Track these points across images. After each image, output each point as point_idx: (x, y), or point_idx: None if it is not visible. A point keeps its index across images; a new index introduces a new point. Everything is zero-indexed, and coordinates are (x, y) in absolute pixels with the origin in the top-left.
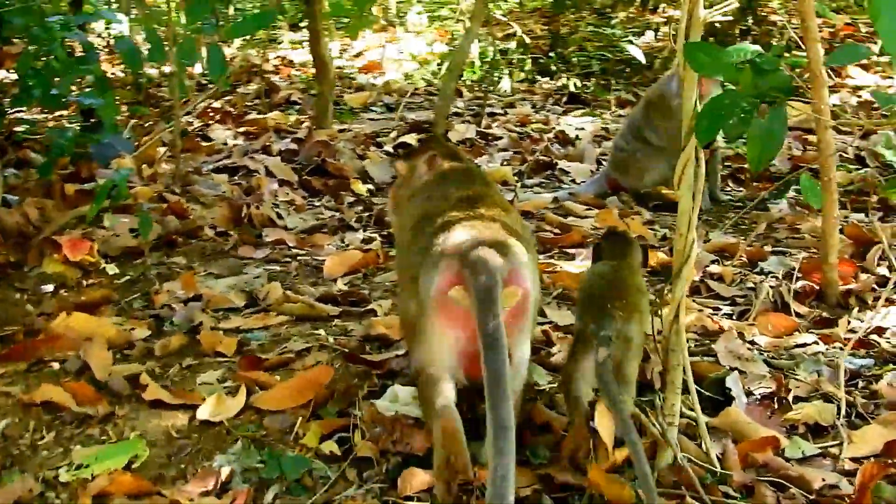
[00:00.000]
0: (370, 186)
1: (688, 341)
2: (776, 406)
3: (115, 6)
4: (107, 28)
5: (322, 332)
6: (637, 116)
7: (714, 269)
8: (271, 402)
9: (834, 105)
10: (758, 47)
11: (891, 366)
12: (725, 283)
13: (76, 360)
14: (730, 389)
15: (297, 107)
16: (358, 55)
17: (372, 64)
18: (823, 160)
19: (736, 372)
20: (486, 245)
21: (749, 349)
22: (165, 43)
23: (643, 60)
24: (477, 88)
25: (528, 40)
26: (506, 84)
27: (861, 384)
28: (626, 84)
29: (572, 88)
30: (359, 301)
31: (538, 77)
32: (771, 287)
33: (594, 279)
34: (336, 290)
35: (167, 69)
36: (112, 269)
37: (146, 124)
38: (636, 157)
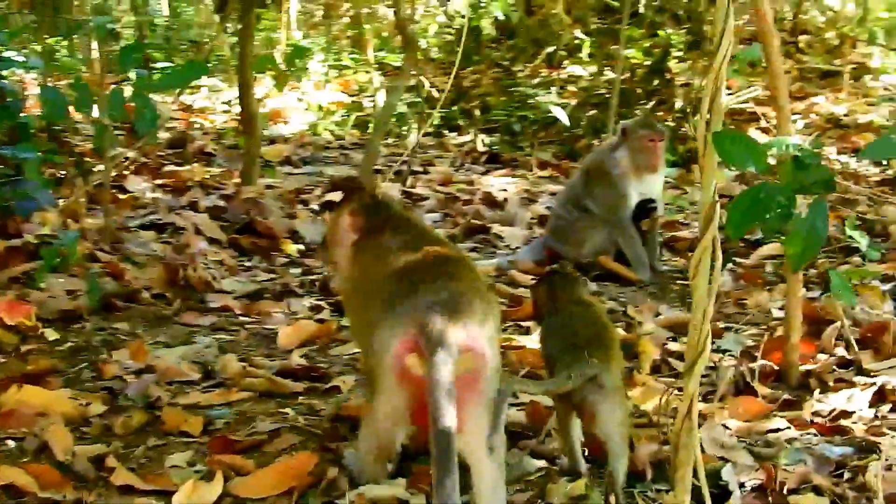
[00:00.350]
0: (300, 246)
1: (663, 426)
2: (769, 499)
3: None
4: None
5: (289, 411)
6: (577, 185)
7: (673, 346)
8: (251, 490)
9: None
10: (797, 139)
11: (874, 456)
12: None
13: (34, 439)
14: (726, 483)
15: (214, 159)
16: (258, 101)
17: (274, 112)
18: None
19: (730, 464)
20: (443, 311)
21: (730, 437)
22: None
23: (566, 122)
24: (393, 143)
25: (435, 94)
26: (413, 138)
27: (847, 475)
28: (544, 144)
29: (480, 146)
30: (321, 376)
31: (445, 132)
32: (732, 367)
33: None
34: (295, 363)
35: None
36: (52, 334)
37: (59, 174)
38: (576, 225)
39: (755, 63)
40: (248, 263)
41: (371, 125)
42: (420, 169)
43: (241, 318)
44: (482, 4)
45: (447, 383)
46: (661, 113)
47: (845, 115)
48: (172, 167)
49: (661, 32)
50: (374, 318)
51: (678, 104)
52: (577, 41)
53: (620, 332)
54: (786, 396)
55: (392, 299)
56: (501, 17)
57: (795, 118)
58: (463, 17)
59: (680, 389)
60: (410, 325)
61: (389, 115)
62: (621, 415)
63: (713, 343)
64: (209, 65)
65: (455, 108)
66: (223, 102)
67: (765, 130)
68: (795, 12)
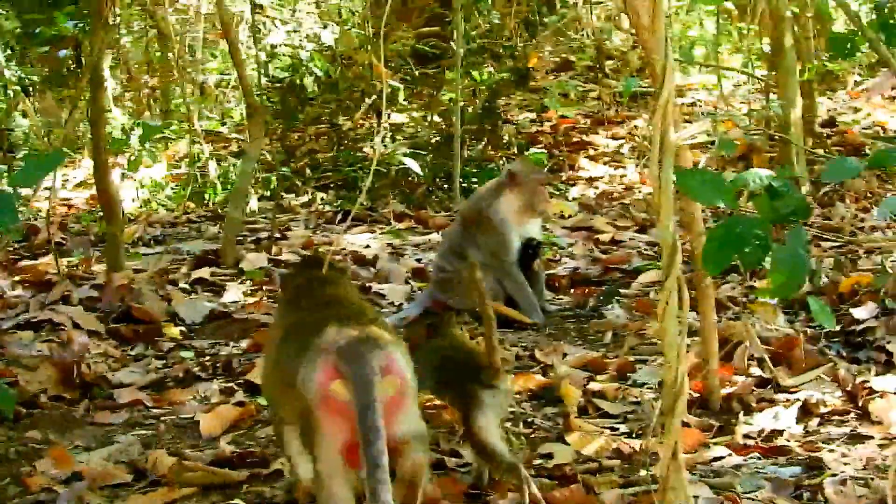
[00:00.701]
0: (182, 328)
1: (611, 469)
2: None
3: None
4: None
5: (239, 502)
6: (456, 235)
7: (594, 385)
8: None
9: (573, 198)
10: (770, 172)
11: (827, 472)
12: (609, 399)
13: None
14: None
15: (64, 247)
16: (80, 184)
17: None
18: (698, 264)
19: (695, 499)
20: (360, 337)
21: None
22: None
23: (420, 172)
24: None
25: (269, 157)
26: (253, 203)
27: (807, 496)
28: (385, 196)
29: (320, 205)
30: (259, 461)
31: (284, 194)
32: (653, 400)
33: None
34: (227, 450)
35: None
36: None
37: None
38: (461, 275)
39: (567, 94)
40: (133, 352)
41: (207, 195)
42: (277, 235)
43: (154, 411)
44: (303, 62)
45: (374, 398)
46: (492, 151)
47: None
48: (26, 261)
49: (474, 72)
50: (292, 361)
51: (508, 140)
52: (392, 88)
53: (539, 377)
54: (712, 422)
55: (308, 338)
56: (321, 74)
57: (619, 143)
58: (281, 81)
59: (613, 429)
60: (329, 353)
61: (247, 184)
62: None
63: (628, 378)
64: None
65: (286, 168)
66: (62, 187)
67: (593, 158)
68: (598, 39)
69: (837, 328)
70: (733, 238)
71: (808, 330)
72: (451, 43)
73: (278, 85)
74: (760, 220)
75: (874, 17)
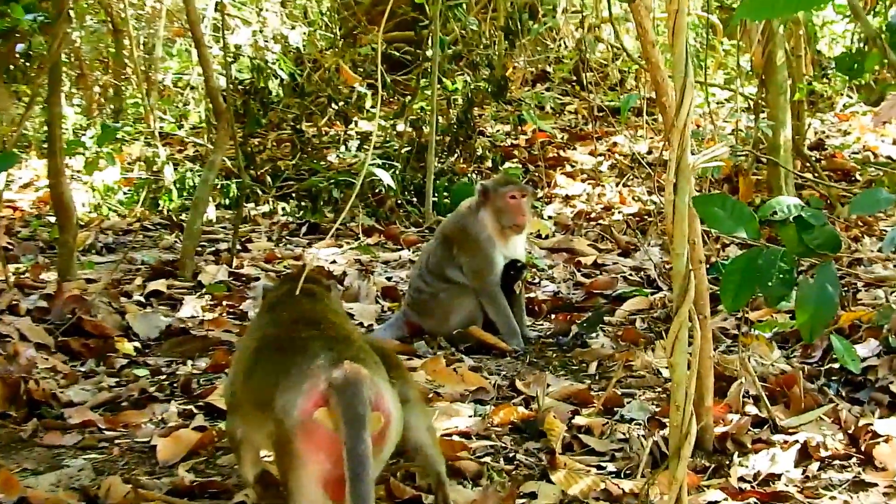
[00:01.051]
0: (136, 344)
1: None
2: None
3: None
4: None
5: None
6: (435, 253)
7: (579, 420)
8: None
9: (549, 217)
10: (798, 200)
11: None
12: (595, 435)
13: None
14: None
15: (10, 252)
16: (27, 185)
17: (48, 196)
18: (696, 294)
19: None
20: (353, 368)
21: None
22: None
23: (392, 184)
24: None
25: (228, 162)
26: (211, 212)
27: None
28: (353, 208)
29: (282, 216)
30: (221, 491)
31: (245, 204)
32: (643, 437)
33: None
34: (185, 479)
35: None
36: None
37: None
38: (439, 297)
39: (543, 105)
40: (83, 369)
41: (162, 202)
42: (239, 246)
43: (107, 433)
44: (268, 64)
45: (365, 433)
46: (464, 165)
47: (648, 153)
48: None
49: (448, 81)
50: (270, 380)
51: (482, 154)
52: (360, 94)
53: (521, 409)
54: (705, 463)
55: (291, 358)
56: (285, 77)
57: (599, 159)
58: (244, 83)
59: (600, 468)
60: (318, 379)
61: (208, 193)
62: (427, 421)
63: (615, 412)
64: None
65: (247, 176)
66: (6, 188)
67: (570, 175)
68: (580, 50)
69: (836, 366)
70: (755, 271)
71: (806, 366)
72: (426, 49)
73: (241, 87)
74: (786, 252)
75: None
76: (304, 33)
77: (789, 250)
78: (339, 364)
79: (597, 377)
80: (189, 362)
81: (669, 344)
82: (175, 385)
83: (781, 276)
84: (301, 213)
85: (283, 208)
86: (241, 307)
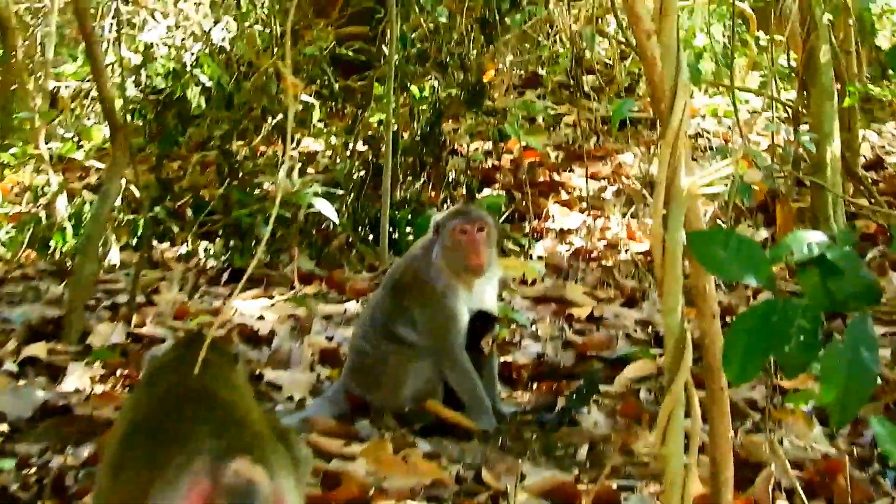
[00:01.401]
0: (3, 427)
1: None
2: None
3: None
4: None
5: None
6: (383, 306)
7: None
8: None
9: (539, 257)
10: (823, 236)
11: None
12: None
13: None
14: None
15: None
16: None
17: None
18: (710, 358)
19: None
20: (243, 459)
21: None
22: None
23: (335, 219)
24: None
25: (137, 193)
26: (114, 255)
27: None
28: (288, 248)
29: (203, 258)
30: None
31: (155, 243)
32: None
33: None
34: None
35: None
36: None
37: None
38: (387, 362)
39: (533, 117)
40: None
41: (54, 242)
42: (142, 299)
43: None
44: (187, 68)
45: None
46: (433, 192)
47: None
48: None
49: (413, 87)
50: (141, 476)
51: (455, 178)
52: (304, 106)
53: None
54: None
55: (167, 448)
56: (210, 85)
57: (601, 185)
58: (158, 92)
59: None
60: (200, 476)
61: (101, 231)
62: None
63: None
64: None
65: (159, 208)
66: None
67: (565, 204)
68: (576, 47)
69: None
70: (768, 331)
71: (855, 449)
72: (384, 47)
73: (153, 97)
74: (808, 305)
75: None
76: (233, 29)
77: (812, 303)
78: (230, 457)
79: (587, 465)
80: (67, 450)
81: (661, 424)
82: (44, 481)
83: (802, 337)
84: (227, 254)
85: (207, 249)
86: (139, 378)
